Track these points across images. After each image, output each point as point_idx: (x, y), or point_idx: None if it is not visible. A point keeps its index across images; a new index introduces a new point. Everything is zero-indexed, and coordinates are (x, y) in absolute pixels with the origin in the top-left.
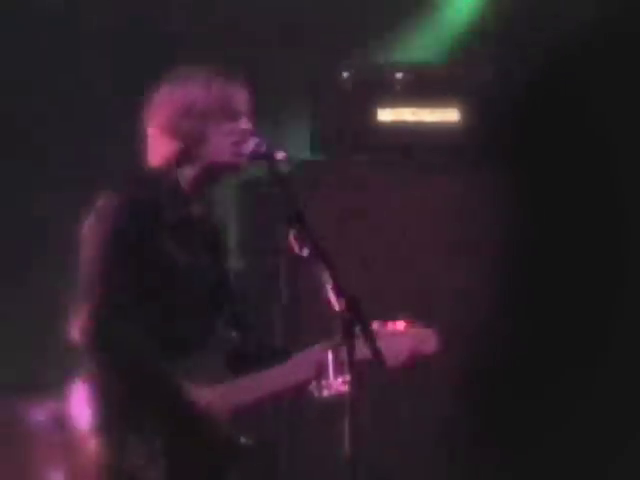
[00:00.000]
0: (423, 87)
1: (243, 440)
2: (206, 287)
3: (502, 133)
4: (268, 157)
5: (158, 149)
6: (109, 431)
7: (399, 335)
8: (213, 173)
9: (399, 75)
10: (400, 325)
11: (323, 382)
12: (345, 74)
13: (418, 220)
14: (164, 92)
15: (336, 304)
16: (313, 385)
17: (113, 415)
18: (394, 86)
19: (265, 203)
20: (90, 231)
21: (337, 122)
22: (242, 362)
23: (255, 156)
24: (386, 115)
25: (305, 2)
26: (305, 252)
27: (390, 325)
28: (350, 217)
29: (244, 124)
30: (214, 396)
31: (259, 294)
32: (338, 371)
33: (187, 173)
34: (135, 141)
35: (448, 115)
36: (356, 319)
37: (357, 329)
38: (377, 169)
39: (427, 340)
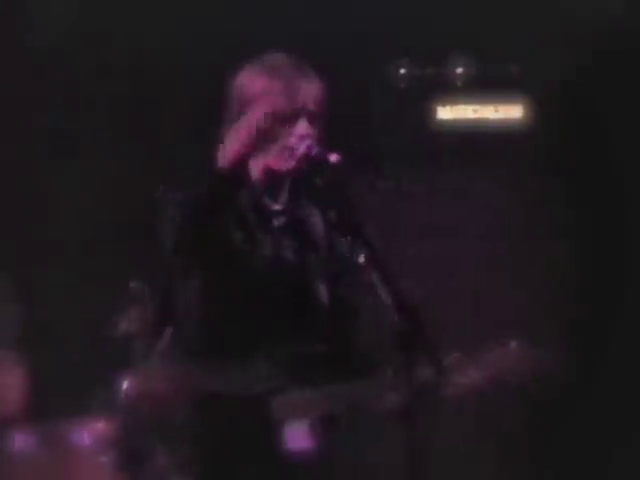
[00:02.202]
0: (485, 83)
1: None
2: (284, 285)
3: (563, 136)
4: (321, 160)
5: (229, 144)
6: None
7: (508, 355)
8: (270, 175)
9: (460, 70)
10: (511, 346)
11: (386, 397)
12: (402, 70)
13: (473, 227)
14: (233, 87)
15: (396, 318)
16: (373, 402)
17: None
18: (454, 82)
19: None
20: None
21: (394, 121)
22: (324, 372)
23: (307, 160)
24: (446, 113)
25: None
26: (361, 260)
27: (501, 346)
28: (406, 221)
29: (302, 128)
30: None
31: None
32: (400, 387)
33: (254, 168)
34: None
35: (512, 113)
36: (418, 335)
37: (417, 341)
38: (437, 170)
39: (531, 362)
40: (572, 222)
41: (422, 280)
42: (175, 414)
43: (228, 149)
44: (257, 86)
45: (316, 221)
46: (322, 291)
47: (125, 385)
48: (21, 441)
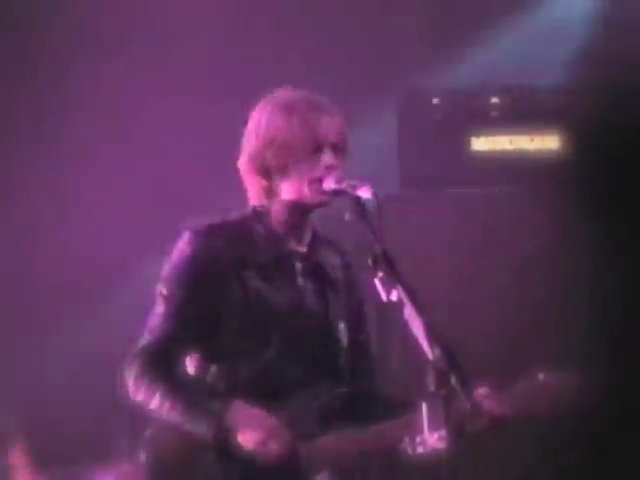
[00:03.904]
0: (521, 112)
1: None
2: (307, 329)
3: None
4: (351, 193)
5: (248, 186)
6: None
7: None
8: (297, 210)
9: (495, 99)
10: (538, 378)
11: (417, 438)
12: (435, 100)
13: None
14: (251, 123)
15: (429, 353)
16: (406, 441)
17: None
18: (489, 112)
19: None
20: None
21: (427, 153)
22: (348, 415)
23: (337, 193)
24: (481, 144)
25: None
26: (393, 296)
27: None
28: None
29: (328, 159)
30: (309, 449)
31: None
32: (433, 426)
33: (275, 211)
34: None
35: (548, 143)
36: (452, 369)
37: (453, 380)
38: (472, 203)
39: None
40: (605, 254)
41: (446, 311)
42: (199, 464)
43: (250, 186)
44: (277, 122)
45: (335, 261)
46: (343, 333)
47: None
48: None
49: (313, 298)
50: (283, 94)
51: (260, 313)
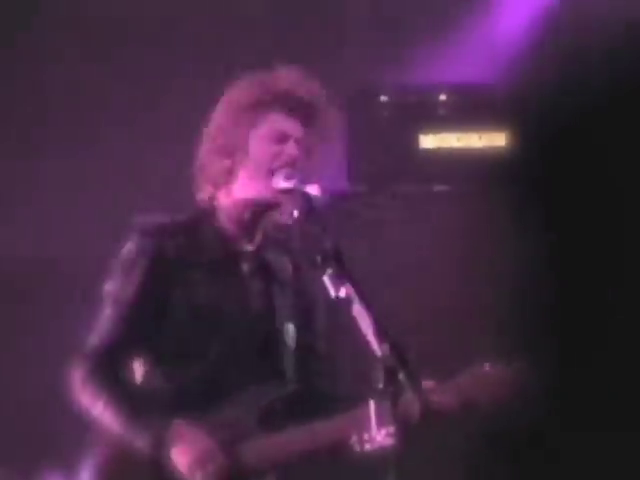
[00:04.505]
0: (469, 110)
1: None
2: (252, 331)
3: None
4: (300, 191)
5: (208, 170)
6: None
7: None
8: (248, 209)
9: (443, 97)
10: (483, 368)
11: (365, 435)
12: (383, 97)
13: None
14: (219, 105)
15: (378, 350)
16: (354, 439)
17: None
18: (437, 109)
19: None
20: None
21: (375, 150)
22: (293, 415)
23: (286, 190)
24: (429, 141)
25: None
26: (342, 293)
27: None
28: (383, 252)
29: (290, 149)
30: (250, 449)
31: None
32: (381, 423)
33: (226, 208)
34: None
35: (495, 140)
36: (400, 366)
37: (401, 376)
38: (418, 200)
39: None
40: (555, 249)
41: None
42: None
43: (208, 173)
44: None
45: (283, 261)
46: (290, 334)
47: None
48: None
49: (259, 299)
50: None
51: (205, 314)
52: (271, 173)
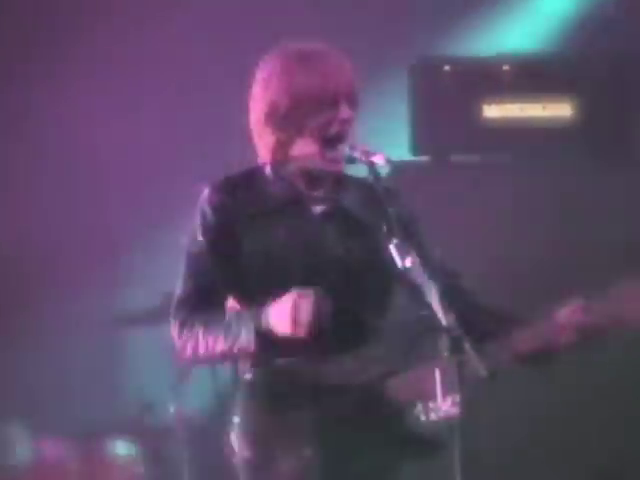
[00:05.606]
0: (532, 80)
1: None
2: (327, 270)
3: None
4: (364, 160)
5: (261, 144)
6: None
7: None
8: (310, 176)
9: (506, 67)
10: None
11: (430, 404)
12: (446, 67)
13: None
14: (262, 74)
15: (443, 319)
16: (419, 408)
17: None
18: (501, 79)
19: None
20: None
21: (438, 120)
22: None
23: (350, 160)
24: (492, 111)
25: None
26: (408, 263)
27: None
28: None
29: (344, 112)
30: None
31: None
32: (447, 391)
33: (289, 173)
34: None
35: (560, 110)
36: (466, 334)
37: (466, 345)
38: (484, 170)
39: None
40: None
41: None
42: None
43: (263, 142)
44: (292, 72)
45: (363, 212)
46: (370, 279)
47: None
48: (55, 451)
49: (334, 240)
50: (294, 46)
51: (277, 258)
52: (330, 142)
